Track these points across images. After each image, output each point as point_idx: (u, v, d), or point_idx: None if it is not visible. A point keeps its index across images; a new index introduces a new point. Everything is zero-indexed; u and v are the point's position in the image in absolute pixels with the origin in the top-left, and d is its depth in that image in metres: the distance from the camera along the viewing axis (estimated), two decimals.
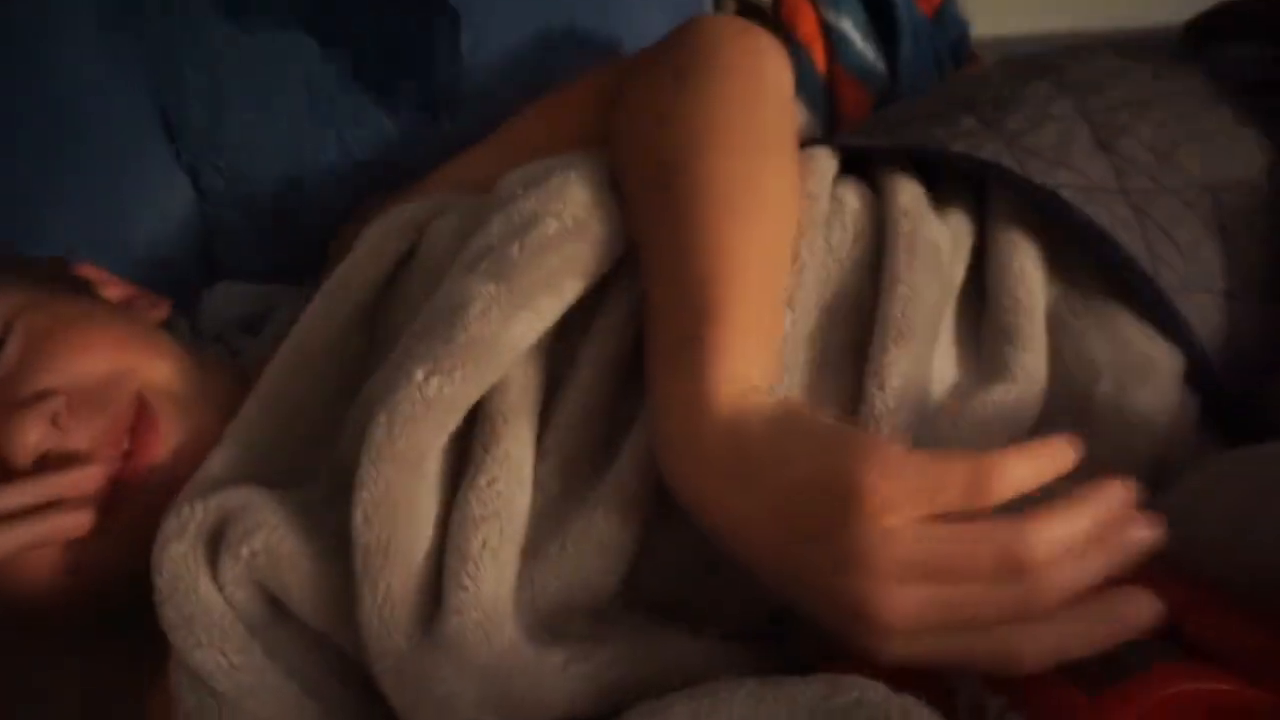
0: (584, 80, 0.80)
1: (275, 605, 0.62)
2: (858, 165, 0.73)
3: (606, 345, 0.65)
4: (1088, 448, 0.53)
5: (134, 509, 0.65)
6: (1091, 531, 0.50)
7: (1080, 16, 0.86)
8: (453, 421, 0.61)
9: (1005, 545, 0.49)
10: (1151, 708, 0.48)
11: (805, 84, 0.98)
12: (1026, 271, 0.68)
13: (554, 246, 0.64)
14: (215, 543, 0.61)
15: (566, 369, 0.65)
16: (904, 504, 0.50)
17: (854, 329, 0.66)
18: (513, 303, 0.62)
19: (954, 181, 0.73)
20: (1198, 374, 0.67)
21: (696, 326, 0.59)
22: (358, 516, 0.59)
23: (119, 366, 0.68)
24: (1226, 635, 0.51)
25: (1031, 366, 0.65)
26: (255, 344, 0.81)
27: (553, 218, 0.65)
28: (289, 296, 0.85)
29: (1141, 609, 0.50)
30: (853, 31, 1.02)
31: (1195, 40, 0.84)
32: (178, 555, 0.61)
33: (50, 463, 0.65)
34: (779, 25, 1.01)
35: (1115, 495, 0.51)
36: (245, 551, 0.60)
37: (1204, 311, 0.68)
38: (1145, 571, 0.49)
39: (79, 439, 0.65)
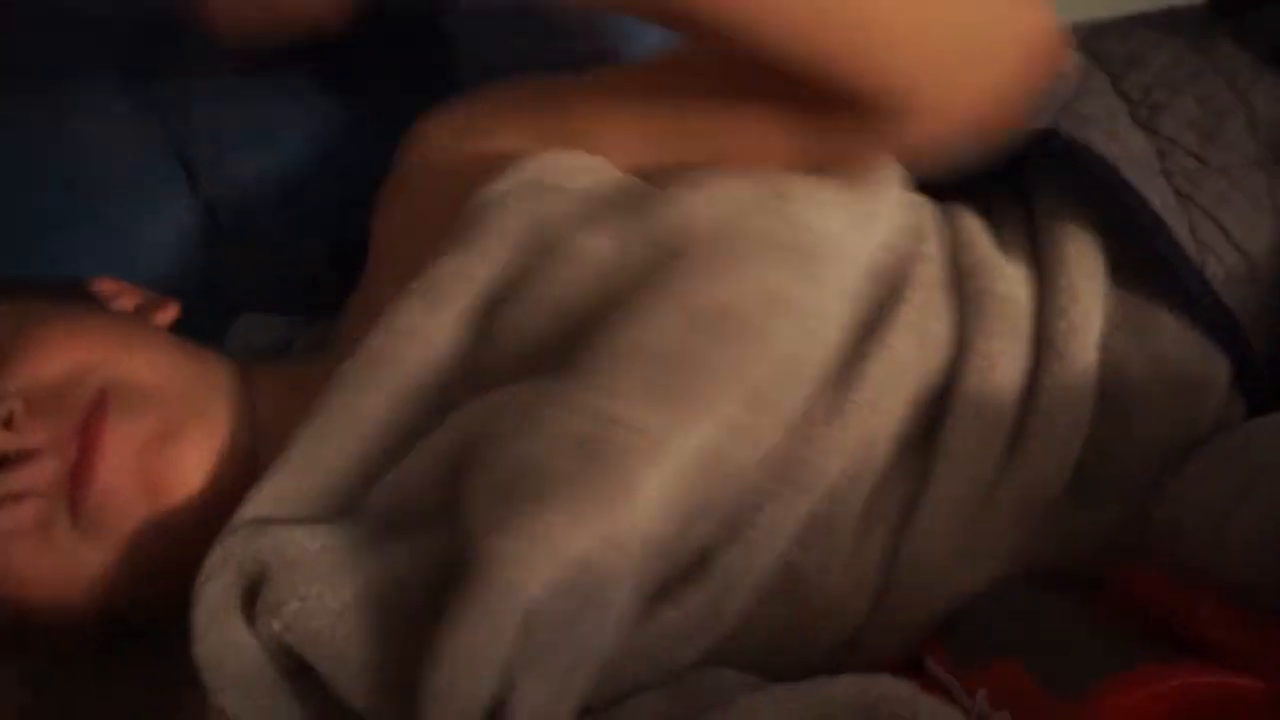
0: None
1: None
2: None
3: None
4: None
5: (98, 498, 0.64)
6: None
7: (1094, 5, 0.84)
8: None
9: None
10: (1134, 706, 0.48)
11: None
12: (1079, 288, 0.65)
13: None
14: (254, 589, 0.60)
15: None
16: None
17: None
18: None
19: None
20: (1244, 377, 0.64)
21: None
22: None
23: (83, 363, 0.67)
24: (1211, 631, 0.51)
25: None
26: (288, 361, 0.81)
27: None
28: (301, 330, 0.85)
29: None
30: None
31: (1222, 9, 0.81)
32: (215, 594, 0.60)
33: (9, 463, 0.64)
34: None
35: None
36: (277, 626, 0.59)
37: (1247, 304, 0.64)
38: (1128, 567, 0.48)
39: (38, 438, 0.65)
